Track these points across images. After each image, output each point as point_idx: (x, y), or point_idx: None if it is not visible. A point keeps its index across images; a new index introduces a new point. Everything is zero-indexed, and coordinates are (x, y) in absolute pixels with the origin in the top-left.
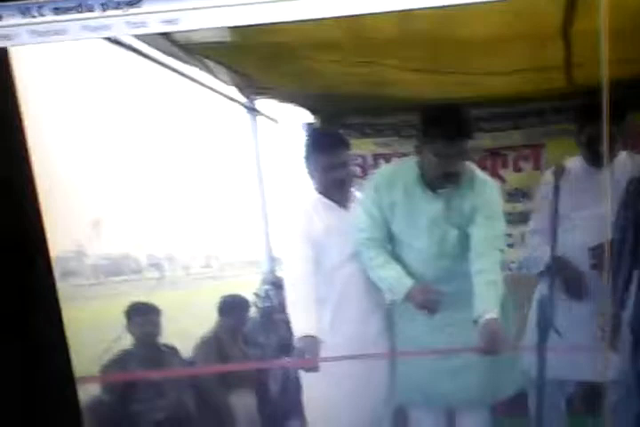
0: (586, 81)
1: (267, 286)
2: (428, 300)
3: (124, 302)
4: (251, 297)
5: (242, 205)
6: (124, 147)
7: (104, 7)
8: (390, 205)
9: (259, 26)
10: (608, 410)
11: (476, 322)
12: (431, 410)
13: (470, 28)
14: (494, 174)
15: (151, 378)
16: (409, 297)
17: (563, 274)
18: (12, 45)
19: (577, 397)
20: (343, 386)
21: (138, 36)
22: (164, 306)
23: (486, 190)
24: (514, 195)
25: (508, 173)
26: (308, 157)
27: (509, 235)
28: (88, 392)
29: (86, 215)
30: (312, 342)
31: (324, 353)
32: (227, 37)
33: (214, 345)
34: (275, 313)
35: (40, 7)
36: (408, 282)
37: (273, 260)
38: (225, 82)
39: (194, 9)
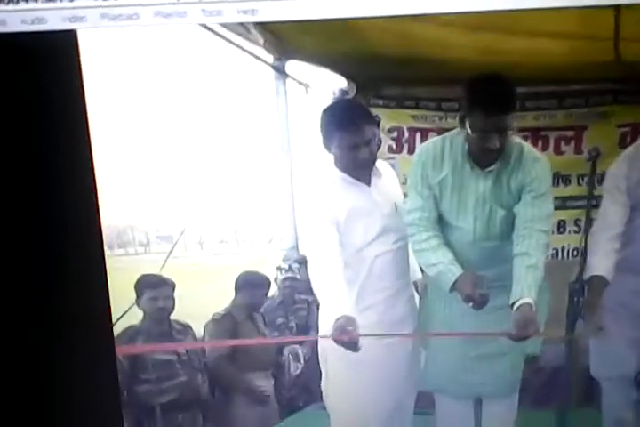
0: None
1: (290, 262)
2: (476, 293)
3: (131, 276)
4: (271, 273)
5: (265, 176)
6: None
7: None
8: (440, 183)
9: None
10: None
11: (511, 307)
12: (458, 398)
13: None
14: None
15: (160, 357)
16: (456, 287)
17: None
18: (81, 28)
19: None
20: (366, 371)
21: None
22: (177, 281)
23: (537, 168)
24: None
25: (549, 157)
26: (328, 133)
27: None
28: None
29: None
30: (350, 321)
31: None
32: None
33: (227, 324)
34: (296, 293)
35: None
36: (457, 270)
37: (297, 236)
38: (253, 41)
39: (274, 0)
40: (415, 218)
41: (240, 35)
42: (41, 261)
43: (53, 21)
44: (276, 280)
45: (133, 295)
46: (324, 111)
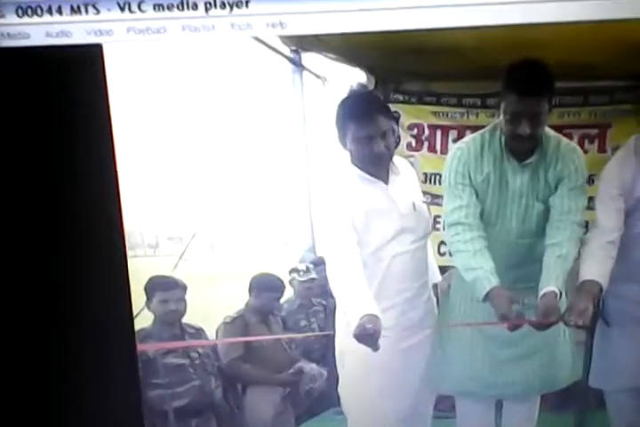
0: None
1: (307, 264)
2: (512, 312)
3: (141, 278)
4: (285, 275)
5: (280, 175)
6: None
7: (208, 6)
8: (483, 181)
9: None
10: None
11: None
12: (481, 400)
13: None
14: None
15: (172, 360)
16: (490, 299)
17: None
18: (107, 42)
19: None
20: (384, 375)
21: None
22: (188, 284)
23: (575, 159)
24: None
25: None
26: (342, 126)
27: None
28: None
29: None
30: (374, 319)
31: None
32: None
33: (239, 327)
34: (314, 295)
35: (140, 2)
36: (495, 281)
37: (313, 237)
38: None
39: (303, 13)
40: (461, 217)
41: None
42: (61, 263)
43: (79, 35)
44: (292, 282)
45: (143, 298)
46: (339, 104)
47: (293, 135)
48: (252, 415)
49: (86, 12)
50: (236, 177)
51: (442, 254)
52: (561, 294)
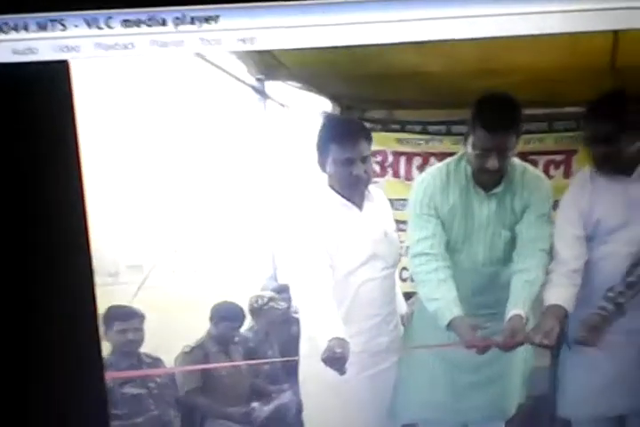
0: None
1: (269, 292)
2: (476, 339)
3: (99, 307)
4: (247, 303)
5: (241, 203)
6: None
7: (177, 22)
8: (449, 211)
9: None
10: None
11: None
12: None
13: None
14: None
15: (129, 391)
16: (453, 328)
17: None
18: (74, 58)
19: None
20: (349, 403)
21: None
22: (147, 312)
23: (541, 187)
24: None
25: None
26: (324, 149)
27: None
28: None
29: None
30: (342, 342)
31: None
32: None
33: (198, 357)
34: (278, 323)
35: (108, 18)
36: (457, 311)
37: (275, 265)
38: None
39: (272, 28)
40: (426, 247)
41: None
42: (28, 288)
43: (45, 51)
44: (252, 311)
45: (102, 327)
46: (323, 126)
47: (257, 163)
48: None
49: (53, 28)
50: (197, 204)
51: (404, 280)
52: (527, 318)
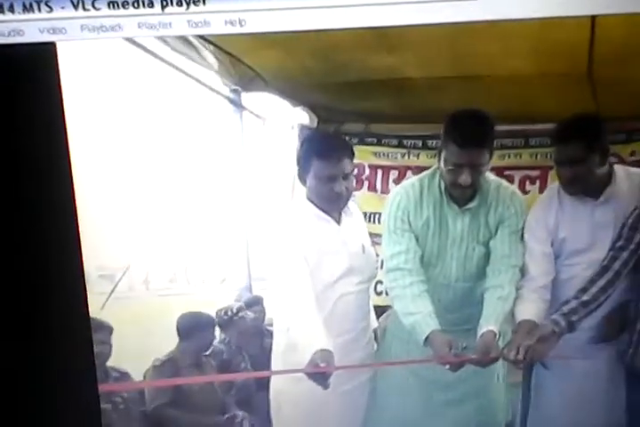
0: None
1: (240, 303)
2: (450, 355)
3: None
4: (216, 314)
5: (217, 213)
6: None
7: (164, 3)
8: (422, 226)
9: None
10: None
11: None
12: None
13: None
14: None
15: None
16: (430, 343)
17: None
18: (61, 40)
19: None
20: (320, 415)
21: None
22: (116, 324)
23: (515, 203)
24: None
25: None
26: (305, 163)
27: None
28: None
29: None
30: (328, 355)
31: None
32: None
33: (169, 370)
34: (249, 335)
35: (95, 0)
36: (434, 324)
37: (250, 276)
38: (208, 66)
39: (262, 10)
40: (400, 262)
41: (193, 60)
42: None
43: (31, 33)
44: (221, 323)
45: None
46: (306, 141)
47: (234, 174)
48: None
49: (39, 9)
50: (173, 213)
51: (378, 293)
52: (500, 334)
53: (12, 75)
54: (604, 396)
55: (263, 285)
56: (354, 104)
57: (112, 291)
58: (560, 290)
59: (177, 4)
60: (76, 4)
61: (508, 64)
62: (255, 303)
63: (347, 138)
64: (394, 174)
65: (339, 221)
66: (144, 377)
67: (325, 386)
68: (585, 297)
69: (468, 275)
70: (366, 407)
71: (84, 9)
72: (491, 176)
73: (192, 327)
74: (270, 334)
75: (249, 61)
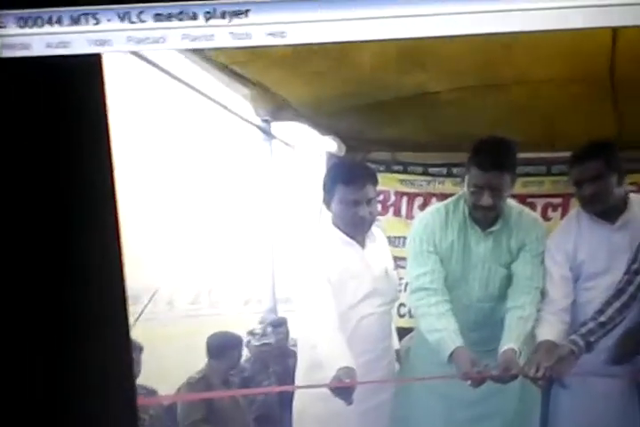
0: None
1: (266, 325)
2: (473, 372)
3: None
4: (244, 335)
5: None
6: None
7: (208, 16)
8: (449, 247)
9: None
10: None
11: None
12: None
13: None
14: None
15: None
16: (454, 359)
17: None
18: (107, 52)
19: None
20: None
21: None
22: (145, 344)
23: (536, 228)
24: None
25: None
26: (330, 189)
27: None
28: None
29: None
30: (351, 371)
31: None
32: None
33: (203, 389)
34: (271, 357)
35: (140, 12)
36: (459, 341)
37: (275, 298)
38: (240, 96)
39: (303, 22)
40: (425, 282)
41: (226, 89)
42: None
43: (78, 45)
44: (248, 345)
45: None
46: (332, 168)
47: (263, 200)
48: None
49: (86, 22)
50: (199, 237)
51: (401, 316)
52: (520, 352)
53: (59, 86)
54: (621, 415)
55: (287, 306)
56: (380, 131)
57: (142, 311)
58: (579, 312)
59: (220, 16)
60: (122, 16)
61: (532, 72)
62: (280, 324)
63: (374, 166)
64: (419, 201)
65: (363, 245)
66: (177, 393)
67: (349, 401)
68: (602, 318)
69: (489, 296)
70: (388, 426)
71: (130, 21)
72: (513, 202)
73: (222, 346)
74: (294, 354)
75: (278, 91)
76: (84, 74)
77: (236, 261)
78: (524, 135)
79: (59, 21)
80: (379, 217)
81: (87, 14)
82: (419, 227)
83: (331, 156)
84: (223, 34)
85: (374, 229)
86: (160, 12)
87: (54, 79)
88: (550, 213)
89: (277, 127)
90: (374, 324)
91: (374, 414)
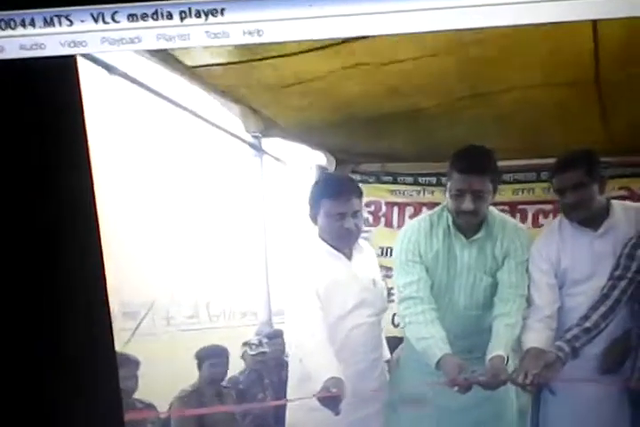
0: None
1: (261, 337)
2: (460, 378)
3: None
4: (238, 347)
5: (237, 250)
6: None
7: (183, 15)
8: (434, 256)
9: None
10: None
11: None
12: None
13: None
14: None
15: None
16: (441, 366)
17: None
18: (81, 53)
19: None
20: None
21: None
22: (142, 358)
23: (520, 236)
24: None
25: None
26: (316, 203)
27: None
28: None
29: None
30: (339, 382)
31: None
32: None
33: (195, 402)
34: (266, 369)
35: (114, 13)
36: (446, 349)
37: (270, 310)
38: (230, 115)
39: (279, 20)
40: (412, 291)
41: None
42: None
43: (52, 47)
44: (244, 356)
45: None
46: (317, 182)
47: (253, 215)
48: None
49: (59, 24)
50: (194, 251)
51: (396, 326)
52: (508, 359)
53: (34, 88)
54: (610, 421)
55: (282, 318)
56: (369, 144)
57: (137, 326)
58: (565, 318)
59: (196, 15)
60: (96, 17)
61: (518, 79)
62: (275, 336)
63: (364, 177)
64: (409, 211)
65: (350, 257)
66: (170, 407)
67: (337, 412)
68: (587, 324)
69: (475, 303)
70: None
71: (104, 22)
72: (495, 211)
73: (205, 357)
74: (288, 366)
75: (267, 112)
76: (59, 76)
77: (232, 275)
78: (513, 142)
79: (32, 23)
80: (371, 228)
81: (60, 16)
82: (404, 237)
83: (321, 169)
84: (199, 33)
85: (361, 241)
86: (134, 12)
87: (29, 81)
88: (542, 219)
89: (268, 143)
90: (364, 334)
91: (365, 425)
